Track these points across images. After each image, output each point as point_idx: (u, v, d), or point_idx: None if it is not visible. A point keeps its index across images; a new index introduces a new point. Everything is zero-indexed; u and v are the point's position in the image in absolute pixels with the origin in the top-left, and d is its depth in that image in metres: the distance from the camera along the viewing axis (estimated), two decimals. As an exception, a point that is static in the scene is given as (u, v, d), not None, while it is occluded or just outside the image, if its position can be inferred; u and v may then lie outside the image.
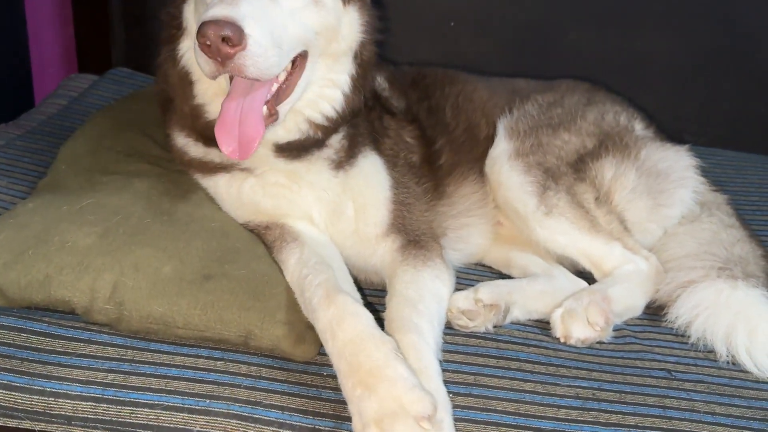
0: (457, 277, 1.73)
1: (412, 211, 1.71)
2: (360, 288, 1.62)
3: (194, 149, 1.67)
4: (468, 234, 1.93)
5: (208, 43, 1.28)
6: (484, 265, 2.00)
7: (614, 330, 1.66)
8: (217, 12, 1.29)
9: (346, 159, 1.68)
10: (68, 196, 1.61)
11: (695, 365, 1.59)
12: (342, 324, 1.33)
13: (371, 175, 1.70)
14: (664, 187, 1.96)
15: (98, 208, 1.55)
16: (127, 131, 1.96)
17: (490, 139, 1.96)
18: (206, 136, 1.60)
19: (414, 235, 1.66)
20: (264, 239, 1.65)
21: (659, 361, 1.59)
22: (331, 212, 1.67)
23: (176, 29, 1.57)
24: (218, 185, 1.68)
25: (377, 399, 1.20)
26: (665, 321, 1.68)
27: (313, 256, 1.56)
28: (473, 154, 1.96)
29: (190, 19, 1.54)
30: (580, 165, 1.91)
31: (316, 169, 1.65)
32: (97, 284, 1.41)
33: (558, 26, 2.83)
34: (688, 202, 1.97)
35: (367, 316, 1.36)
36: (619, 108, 2.13)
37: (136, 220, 1.53)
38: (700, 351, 1.62)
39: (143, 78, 2.84)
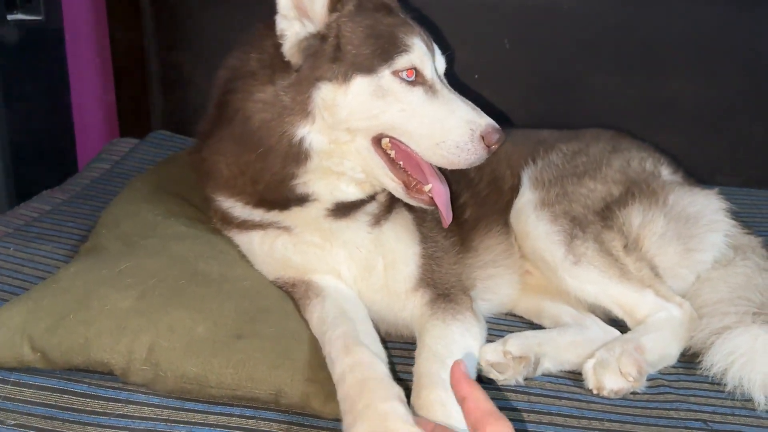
0: (488, 328, 1.74)
1: (441, 264, 1.74)
2: (385, 342, 1.63)
3: (240, 211, 1.73)
4: (495, 284, 1.94)
5: (492, 145, 1.58)
6: (515, 315, 2.00)
7: (648, 380, 1.64)
8: (494, 123, 1.60)
9: (383, 214, 1.74)
10: (108, 260, 1.68)
11: (732, 415, 1.55)
12: (354, 369, 1.37)
13: (402, 230, 1.75)
14: (695, 231, 1.94)
15: (136, 271, 1.61)
16: (165, 194, 2.04)
17: (514, 190, 1.99)
18: (273, 201, 1.67)
19: (443, 289, 1.69)
20: (292, 296, 1.69)
21: (695, 411, 1.56)
22: (362, 268, 1.71)
23: (296, 114, 1.58)
24: (252, 241, 1.75)
25: (368, 424, 1.24)
26: (700, 369, 1.64)
27: (332, 310, 1.60)
28: (497, 206, 1.98)
29: (331, 107, 1.56)
30: (607, 213, 1.91)
31: (355, 227, 1.71)
32: (134, 346, 1.46)
33: (582, 74, 2.87)
34: (720, 246, 1.95)
35: (381, 366, 1.40)
36: (645, 154, 2.13)
37: (172, 282, 1.58)
38: (737, 400, 1.58)
39: (181, 140, 2.96)
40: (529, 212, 1.91)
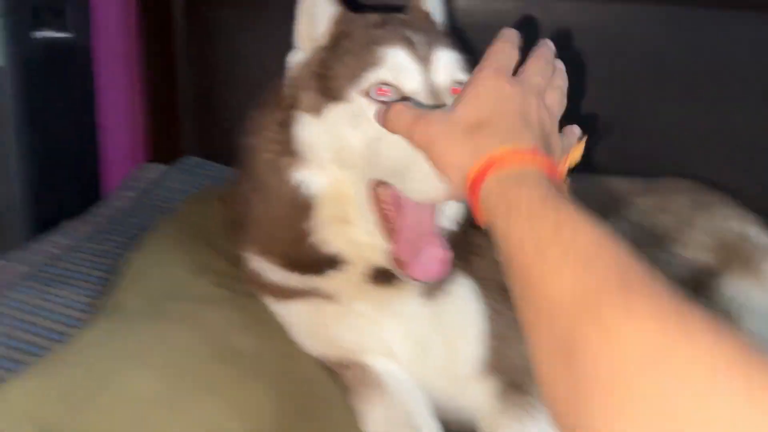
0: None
1: (510, 345, 1.49)
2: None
3: (272, 274, 1.52)
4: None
5: None
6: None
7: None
8: None
9: (439, 282, 1.48)
10: (130, 327, 1.48)
11: None
12: None
13: (464, 302, 1.50)
14: (794, 308, 1.72)
15: (161, 345, 1.40)
16: (192, 242, 1.83)
17: (587, 253, 1.76)
18: (303, 264, 1.45)
19: (514, 376, 1.46)
20: (341, 378, 1.48)
21: None
22: (418, 347, 1.49)
23: (290, 155, 1.38)
24: (291, 313, 1.53)
25: None
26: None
27: (400, 413, 1.38)
28: None
29: (312, 143, 1.35)
30: (694, 284, 1.69)
31: (405, 295, 1.47)
32: (156, 445, 1.25)
33: (638, 105, 2.60)
34: (830, 328, 1.72)
35: None
36: (730, 210, 1.91)
37: (203, 362, 1.37)
38: None
39: (213, 167, 2.78)
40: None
